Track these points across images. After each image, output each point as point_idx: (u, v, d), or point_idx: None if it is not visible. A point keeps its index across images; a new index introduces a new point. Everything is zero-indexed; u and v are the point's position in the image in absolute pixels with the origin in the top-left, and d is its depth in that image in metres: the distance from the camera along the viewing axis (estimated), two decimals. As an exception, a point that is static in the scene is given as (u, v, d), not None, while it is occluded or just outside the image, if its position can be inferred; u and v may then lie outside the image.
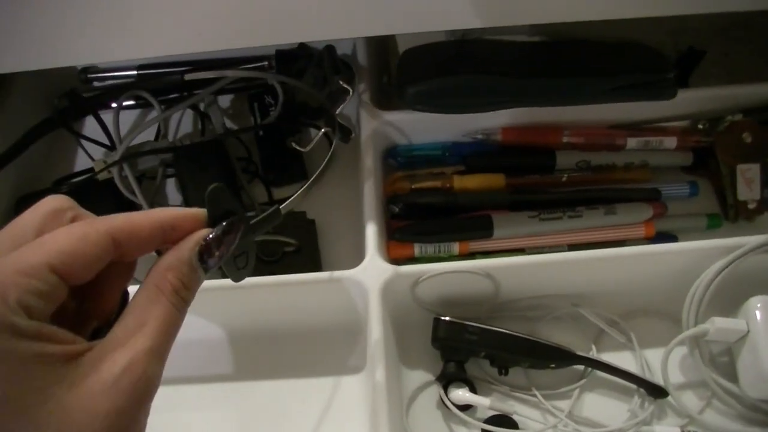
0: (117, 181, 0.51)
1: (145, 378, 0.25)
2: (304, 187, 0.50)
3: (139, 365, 0.24)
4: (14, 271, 0.23)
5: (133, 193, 0.51)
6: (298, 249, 0.49)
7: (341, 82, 0.48)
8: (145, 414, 0.25)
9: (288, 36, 0.41)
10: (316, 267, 0.50)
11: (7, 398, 0.22)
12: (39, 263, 0.23)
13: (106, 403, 0.23)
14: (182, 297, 0.27)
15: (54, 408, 0.23)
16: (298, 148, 0.51)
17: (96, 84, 0.61)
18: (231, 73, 0.48)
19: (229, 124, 0.57)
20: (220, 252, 0.28)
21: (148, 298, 0.26)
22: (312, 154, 0.53)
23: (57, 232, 0.24)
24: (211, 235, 0.28)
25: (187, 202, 0.50)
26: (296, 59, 0.55)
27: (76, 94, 0.57)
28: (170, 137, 0.58)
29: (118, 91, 0.55)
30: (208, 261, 0.28)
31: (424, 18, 0.39)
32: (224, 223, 0.28)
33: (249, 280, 0.43)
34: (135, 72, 0.58)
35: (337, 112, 0.50)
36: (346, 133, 0.51)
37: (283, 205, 0.47)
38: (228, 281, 0.42)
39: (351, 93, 0.48)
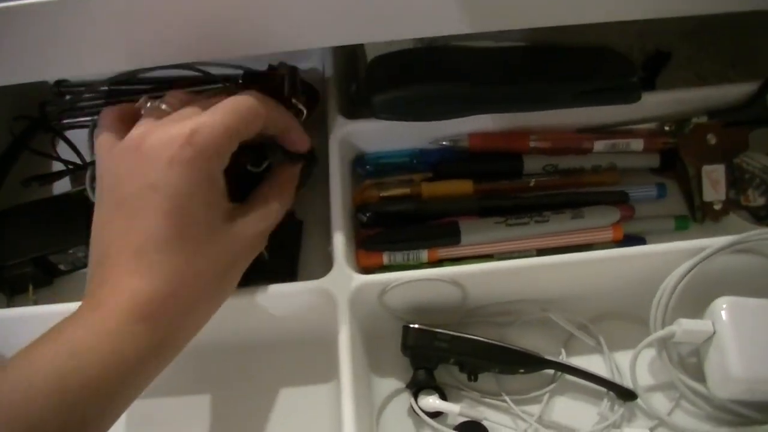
0: (89, 195, 0.51)
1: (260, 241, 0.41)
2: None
3: (260, 236, 0.41)
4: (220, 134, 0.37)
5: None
6: (282, 246, 0.49)
7: (294, 101, 0.48)
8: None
9: (258, 47, 0.41)
10: (293, 270, 0.50)
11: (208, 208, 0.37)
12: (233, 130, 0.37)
13: (246, 247, 0.40)
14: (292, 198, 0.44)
15: (226, 229, 0.38)
16: (252, 169, 0.51)
17: (68, 97, 0.61)
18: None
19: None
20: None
21: (272, 193, 0.42)
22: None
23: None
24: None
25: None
26: (264, 80, 0.55)
27: (38, 118, 0.57)
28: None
29: (88, 108, 0.55)
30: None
31: (394, 26, 0.39)
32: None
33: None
34: (107, 88, 0.58)
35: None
36: (296, 159, 0.51)
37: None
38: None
39: (304, 114, 0.47)
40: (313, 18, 0.38)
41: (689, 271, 0.44)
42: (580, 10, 0.39)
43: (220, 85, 0.56)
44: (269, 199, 0.42)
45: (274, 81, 0.52)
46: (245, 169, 0.50)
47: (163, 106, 0.40)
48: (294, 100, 0.46)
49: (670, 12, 0.40)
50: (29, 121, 0.58)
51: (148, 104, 0.40)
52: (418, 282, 0.44)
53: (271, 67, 0.57)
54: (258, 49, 0.42)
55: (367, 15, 0.38)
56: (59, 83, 0.60)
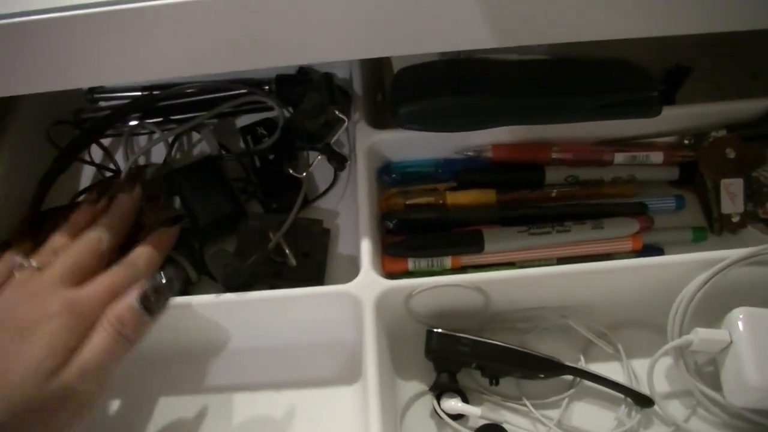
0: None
1: (77, 393, 0.37)
2: (294, 212, 0.50)
3: (75, 383, 0.36)
4: None
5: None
6: (307, 255, 0.50)
7: (337, 112, 0.49)
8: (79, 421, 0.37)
9: (286, 58, 0.42)
10: (320, 277, 0.51)
11: None
12: None
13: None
14: (123, 333, 0.38)
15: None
16: (295, 174, 0.53)
17: (102, 104, 0.63)
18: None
19: (231, 145, 0.59)
20: (160, 300, 0.40)
21: (95, 332, 0.38)
22: (309, 174, 0.55)
23: None
24: (148, 286, 0.39)
25: (192, 218, 0.52)
26: (296, 84, 0.57)
27: (80, 125, 0.59)
28: (178, 157, 0.60)
29: (120, 115, 0.57)
30: (150, 306, 0.39)
31: (420, 40, 0.41)
32: (162, 276, 0.40)
33: (246, 295, 0.45)
34: (139, 93, 0.60)
35: (332, 140, 0.52)
36: (341, 160, 0.53)
37: (281, 230, 0.48)
38: (230, 296, 0.45)
39: (346, 122, 0.49)
40: (344, 32, 0.40)
41: (707, 281, 0.45)
42: (600, 28, 0.40)
43: (245, 90, 0.58)
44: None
45: (310, 85, 0.54)
46: (287, 174, 0.51)
47: (34, 264, 0.42)
48: (337, 112, 0.48)
49: (690, 29, 0.41)
50: (73, 127, 0.59)
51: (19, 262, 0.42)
52: (443, 287, 0.45)
53: (301, 70, 0.59)
54: (289, 60, 0.43)
55: (396, 30, 0.40)
56: (92, 90, 0.62)
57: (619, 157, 0.52)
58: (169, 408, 0.48)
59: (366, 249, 0.47)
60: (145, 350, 0.49)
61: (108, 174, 0.58)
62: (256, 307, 0.46)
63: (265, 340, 0.49)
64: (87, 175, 0.59)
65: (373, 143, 0.52)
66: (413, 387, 0.48)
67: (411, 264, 0.49)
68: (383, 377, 0.43)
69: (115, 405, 0.48)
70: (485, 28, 0.39)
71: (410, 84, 0.52)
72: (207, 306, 0.45)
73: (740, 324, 0.43)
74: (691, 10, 0.40)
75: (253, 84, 0.58)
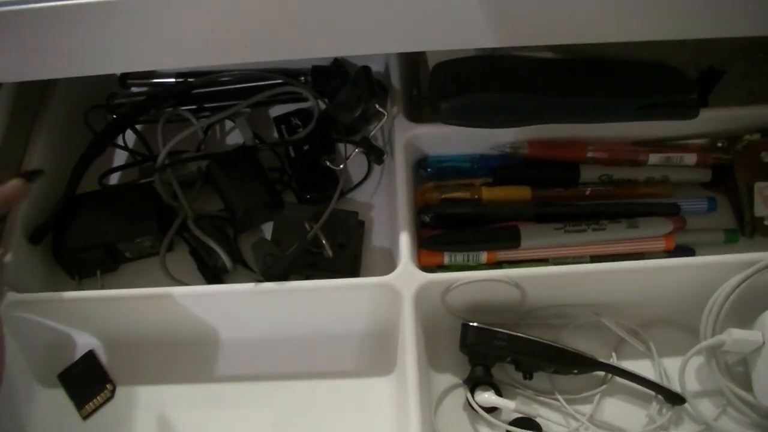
0: (158, 187, 0.53)
1: None
2: (332, 204, 0.50)
3: None
4: None
5: (173, 197, 0.53)
6: (343, 246, 0.51)
7: (377, 106, 0.49)
8: None
9: (323, 50, 0.43)
10: (355, 269, 0.52)
11: None
12: None
13: None
14: None
15: None
16: (331, 166, 0.53)
17: (134, 89, 0.63)
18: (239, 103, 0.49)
19: (264, 135, 0.59)
20: None
21: None
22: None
23: None
24: None
25: (228, 207, 0.53)
26: (332, 76, 0.57)
27: (113, 110, 0.59)
28: (211, 145, 0.60)
29: (156, 102, 0.57)
30: None
31: (453, 36, 0.41)
32: None
33: (287, 284, 0.45)
34: (173, 80, 0.60)
35: (371, 134, 0.52)
36: (379, 154, 0.53)
37: (318, 223, 0.49)
38: (270, 285, 0.45)
39: (386, 116, 0.49)
40: (383, 25, 0.40)
41: (742, 282, 0.45)
42: (635, 29, 0.41)
43: (280, 81, 0.58)
44: None
45: (346, 77, 0.55)
46: (323, 165, 0.51)
47: None
48: (377, 105, 0.48)
49: (721, 33, 0.42)
50: (106, 112, 0.60)
51: None
52: (481, 282, 0.46)
53: (336, 62, 0.59)
54: (326, 52, 0.44)
55: (428, 25, 0.40)
56: (126, 76, 0.63)
57: (654, 158, 0.53)
58: (203, 394, 0.49)
59: (405, 242, 0.47)
60: (181, 337, 0.50)
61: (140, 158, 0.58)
62: (295, 297, 0.46)
63: (301, 330, 0.49)
64: (121, 160, 0.60)
65: (411, 137, 0.52)
66: (447, 379, 0.48)
67: (447, 258, 0.50)
68: (420, 369, 0.43)
69: (151, 390, 0.49)
70: (518, 26, 0.40)
71: (449, 79, 0.52)
72: (247, 294, 0.46)
73: (774, 326, 0.43)
74: (722, 13, 0.40)
75: (288, 74, 0.59)
